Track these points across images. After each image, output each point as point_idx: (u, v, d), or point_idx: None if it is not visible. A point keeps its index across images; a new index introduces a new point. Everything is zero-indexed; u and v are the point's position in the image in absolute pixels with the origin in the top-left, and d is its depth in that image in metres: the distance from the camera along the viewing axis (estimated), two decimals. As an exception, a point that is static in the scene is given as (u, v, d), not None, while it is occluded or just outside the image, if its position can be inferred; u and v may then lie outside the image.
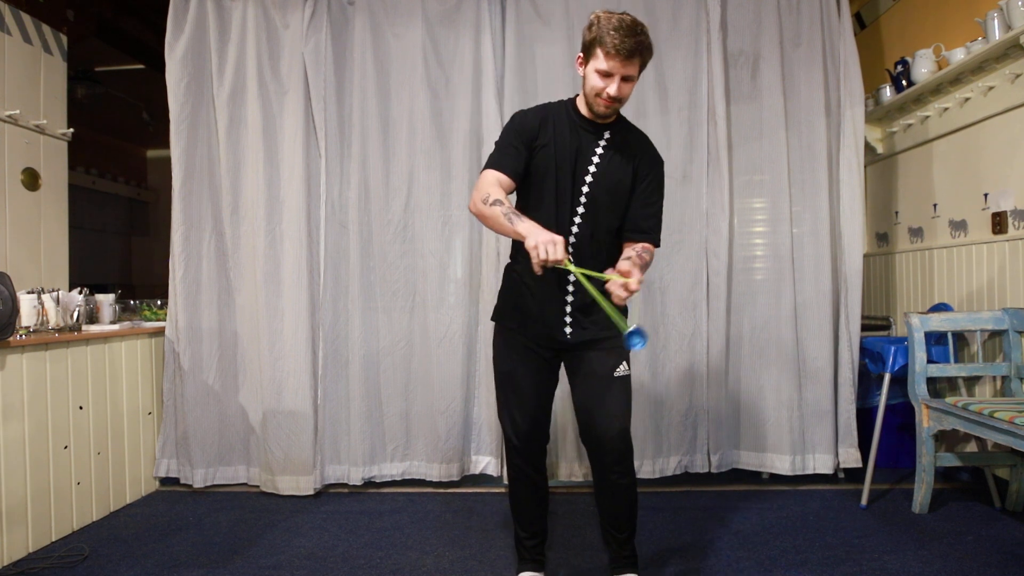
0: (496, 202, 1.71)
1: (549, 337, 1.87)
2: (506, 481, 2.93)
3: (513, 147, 1.82)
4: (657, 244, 1.89)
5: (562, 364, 1.97)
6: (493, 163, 1.82)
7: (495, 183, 1.76)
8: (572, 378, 1.93)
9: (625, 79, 1.72)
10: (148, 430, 3.02)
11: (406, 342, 3.05)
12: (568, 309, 1.85)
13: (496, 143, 1.87)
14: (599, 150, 1.83)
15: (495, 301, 2.93)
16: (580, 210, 1.82)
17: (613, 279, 1.64)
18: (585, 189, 1.82)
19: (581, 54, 1.79)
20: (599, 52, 1.70)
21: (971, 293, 2.89)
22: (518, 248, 1.90)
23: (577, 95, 1.88)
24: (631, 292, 1.62)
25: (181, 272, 3.01)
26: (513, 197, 1.88)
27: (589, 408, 1.86)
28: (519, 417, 1.91)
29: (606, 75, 1.71)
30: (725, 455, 3.02)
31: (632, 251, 1.79)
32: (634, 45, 1.67)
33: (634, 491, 1.90)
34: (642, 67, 1.75)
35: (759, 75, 3.03)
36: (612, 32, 1.66)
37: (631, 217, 1.86)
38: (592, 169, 1.82)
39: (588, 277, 1.64)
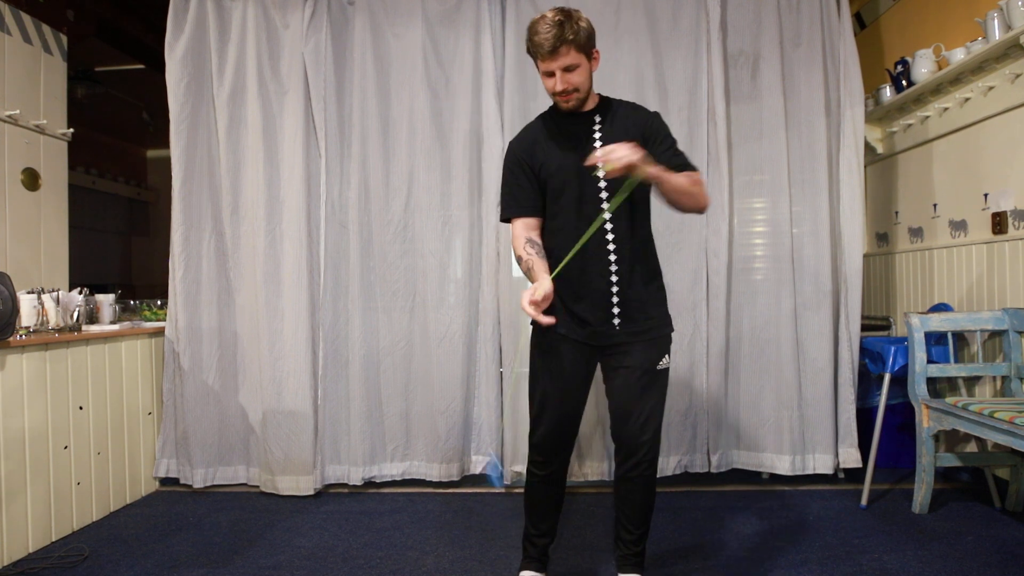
0: (519, 259, 1.84)
1: (597, 334, 1.84)
2: (505, 480, 2.97)
3: (517, 184, 1.88)
4: (695, 170, 1.83)
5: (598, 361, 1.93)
6: (510, 210, 1.89)
7: (519, 233, 1.86)
8: (611, 372, 1.89)
9: (567, 70, 1.74)
10: (148, 430, 3.02)
11: (406, 342, 3.05)
12: (615, 300, 1.82)
13: (501, 185, 1.92)
14: (597, 135, 1.83)
15: (496, 302, 2.98)
16: (604, 195, 1.80)
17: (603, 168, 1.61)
18: (601, 175, 1.78)
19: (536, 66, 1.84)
20: (536, 59, 1.76)
21: (971, 293, 2.89)
22: (548, 244, 1.89)
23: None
24: (630, 168, 1.59)
25: (181, 272, 3.01)
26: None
27: (628, 407, 1.83)
28: (555, 419, 1.88)
29: (549, 75, 1.76)
30: (725, 455, 3.02)
31: None
32: (553, 38, 1.68)
33: (653, 482, 1.89)
34: (580, 50, 1.73)
35: (759, 75, 3.03)
36: (534, 37, 1.72)
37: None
38: (599, 154, 1.81)
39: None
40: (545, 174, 1.85)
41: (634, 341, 1.84)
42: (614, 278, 1.81)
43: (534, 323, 1.90)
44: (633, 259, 1.83)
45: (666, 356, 1.86)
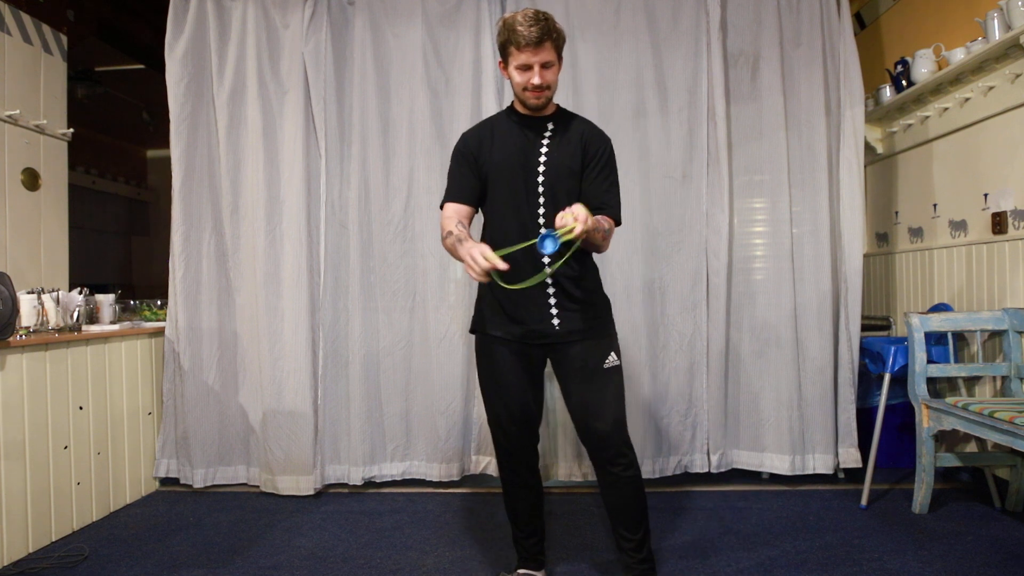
0: (447, 235, 1.82)
1: (536, 333, 1.86)
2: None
3: (459, 173, 1.92)
4: (618, 221, 1.88)
5: (548, 362, 1.95)
6: (446, 195, 1.92)
7: (451, 215, 1.87)
8: (561, 376, 1.91)
9: (544, 66, 1.78)
10: (148, 430, 3.02)
11: (406, 342, 3.05)
12: (552, 300, 1.85)
13: (448, 173, 1.96)
14: (545, 141, 1.87)
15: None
16: (541, 200, 1.84)
17: (559, 233, 1.60)
18: (540, 179, 1.84)
19: (500, 60, 1.86)
20: (512, 50, 1.77)
21: (971, 293, 2.89)
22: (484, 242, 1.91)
23: (513, 100, 1.93)
24: (583, 234, 1.59)
25: (181, 272, 3.01)
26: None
27: (582, 404, 1.86)
28: (509, 423, 1.92)
29: (525, 68, 1.78)
30: (725, 455, 3.02)
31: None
32: (540, 31, 1.73)
33: (639, 484, 1.87)
34: (558, 51, 1.80)
35: (759, 75, 3.03)
36: (518, 28, 1.73)
37: (588, 196, 1.86)
38: (542, 159, 1.85)
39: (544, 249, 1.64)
40: (487, 169, 1.89)
41: (575, 341, 1.86)
42: (549, 279, 1.83)
43: (474, 329, 1.97)
44: (570, 264, 1.82)
45: (613, 354, 1.87)
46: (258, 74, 3.00)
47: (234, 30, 3.03)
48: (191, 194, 3.05)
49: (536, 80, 1.77)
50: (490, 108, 2.99)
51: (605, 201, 1.86)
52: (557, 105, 1.94)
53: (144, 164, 6.01)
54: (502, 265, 1.61)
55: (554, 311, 1.85)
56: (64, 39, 3.18)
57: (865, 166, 3.29)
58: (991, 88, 2.74)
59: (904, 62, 3.20)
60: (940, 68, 3.00)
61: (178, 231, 3.02)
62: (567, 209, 1.62)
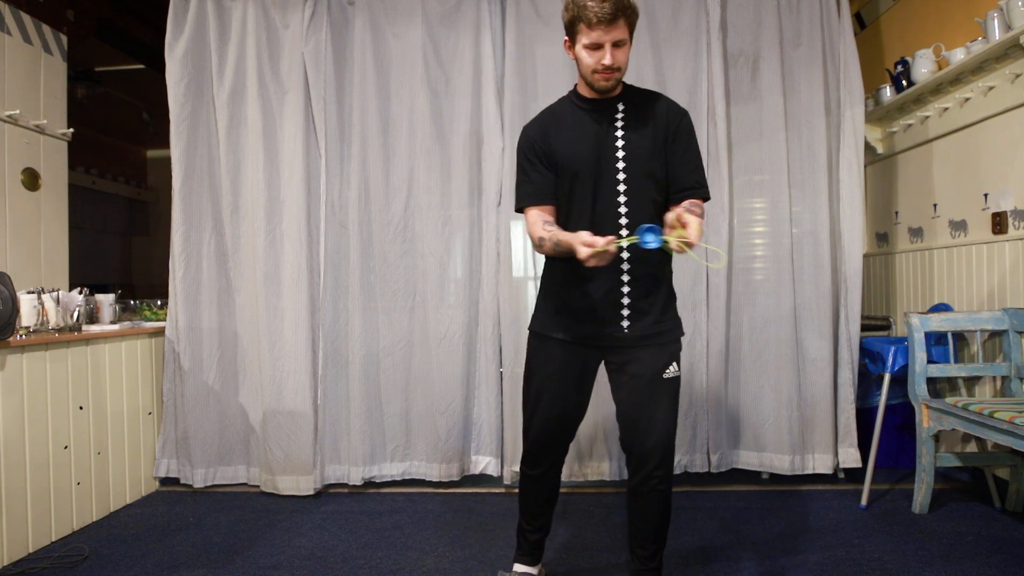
0: (541, 241, 1.73)
1: (603, 335, 1.78)
2: (505, 479, 2.97)
3: (533, 171, 1.80)
4: (706, 197, 1.78)
5: (602, 362, 1.87)
6: (525, 199, 1.81)
7: (536, 220, 1.77)
8: (617, 379, 1.83)
9: (616, 44, 1.65)
10: (148, 430, 3.02)
11: (406, 342, 3.05)
12: (625, 301, 1.75)
13: (517, 172, 1.85)
14: (619, 124, 1.76)
15: (496, 302, 2.98)
16: (621, 188, 1.73)
17: (671, 239, 1.51)
18: (620, 166, 1.73)
19: (567, 38, 1.74)
20: (582, 27, 1.64)
21: (971, 293, 2.89)
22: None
23: (576, 83, 1.82)
24: (691, 245, 1.49)
25: (181, 272, 3.01)
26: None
27: (635, 415, 1.78)
28: (548, 421, 1.86)
29: (596, 47, 1.65)
30: (725, 455, 3.02)
31: (679, 208, 1.66)
32: (614, 6, 1.60)
33: (670, 497, 1.81)
34: (630, 29, 1.67)
35: (759, 75, 3.03)
36: (589, 3, 1.61)
37: (673, 176, 1.76)
38: (620, 145, 1.74)
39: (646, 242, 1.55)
40: (559, 159, 1.77)
41: (642, 346, 1.78)
42: (625, 277, 1.76)
43: (531, 326, 1.90)
44: (647, 262, 1.75)
45: (675, 364, 1.79)
46: (258, 74, 3.00)
47: (234, 30, 3.03)
48: (191, 194, 3.05)
49: (607, 60, 1.64)
50: (490, 108, 2.99)
51: (695, 182, 1.76)
52: (623, 83, 1.79)
53: (144, 164, 6.01)
54: (609, 239, 1.53)
55: (625, 312, 1.76)
56: (64, 39, 3.18)
57: (865, 166, 3.29)
58: (991, 88, 2.74)
59: (904, 62, 3.20)
60: (940, 68, 2.99)
61: (178, 231, 3.02)
62: (686, 218, 1.50)
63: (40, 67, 3.02)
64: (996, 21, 2.60)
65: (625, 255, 1.73)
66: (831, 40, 3.03)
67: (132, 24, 3.97)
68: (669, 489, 1.80)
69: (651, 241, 1.52)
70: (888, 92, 3.33)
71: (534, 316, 1.92)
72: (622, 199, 1.74)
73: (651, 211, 1.75)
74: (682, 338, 1.85)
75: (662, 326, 1.79)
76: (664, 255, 1.69)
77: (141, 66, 4.52)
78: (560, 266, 1.82)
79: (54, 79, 3.11)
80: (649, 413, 1.76)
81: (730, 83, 3.02)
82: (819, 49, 3.00)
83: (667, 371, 1.77)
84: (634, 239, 1.56)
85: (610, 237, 1.56)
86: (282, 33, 3.03)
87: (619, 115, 1.77)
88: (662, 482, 1.77)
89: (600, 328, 1.79)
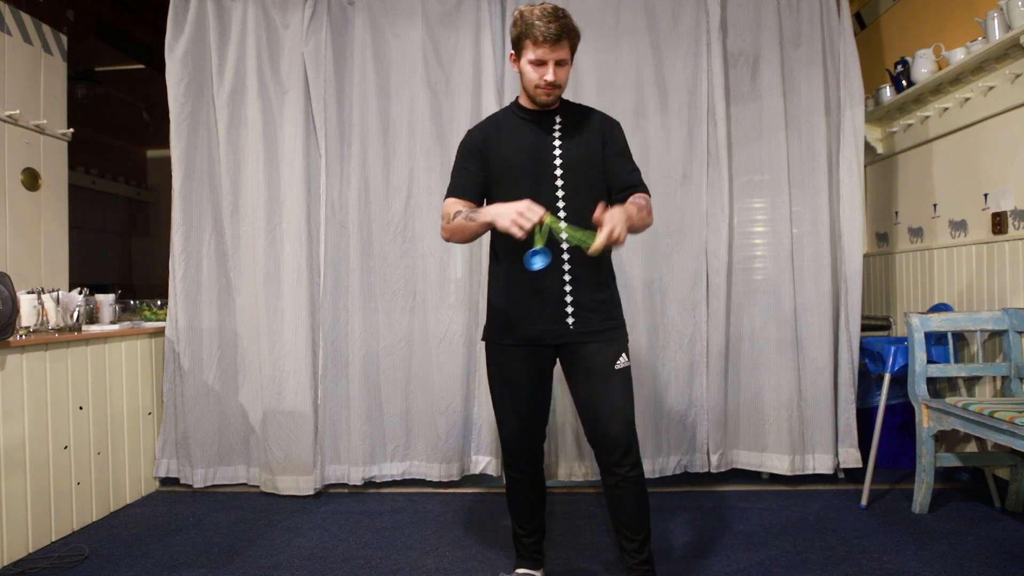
0: (454, 215, 1.80)
1: (550, 333, 1.85)
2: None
3: (464, 169, 1.90)
4: (646, 189, 1.90)
5: (557, 362, 1.95)
6: (449, 191, 1.91)
7: (452, 205, 1.86)
8: (571, 376, 1.90)
9: (559, 64, 1.76)
10: (148, 430, 3.02)
11: (406, 342, 3.05)
12: (568, 299, 1.83)
13: (452, 168, 1.94)
14: (556, 135, 1.86)
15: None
16: (560, 194, 1.81)
17: (599, 238, 1.57)
18: (558, 173, 1.82)
19: (512, 52, 1.84)
20: (528, 44, 1.74)
21: (971, 293, 2.89)
22: (496, 247, 1.94)
23: (518, 96, 1.92)
24: (618, 242, 1.57)
25: (181, 272, 3.01)
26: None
27: (592, 406, 1.84)
28: (517, 424, 1.92)
29: (540, 64, 1.75)
30: (725, 455, 3.02)
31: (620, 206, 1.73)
32: (559, 29, 1.70)
33: (643, 485, 1.87)
34: (572, 50, 1.79)
35: (759, 75, 3.03)
36: (537, 22, 1.71)
37: (615, 177, 1.86)
38: (557, 153, 1.83)
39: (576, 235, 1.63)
40: (494, 164, 1.87)
41: (589, 341, 1.84)
42: (567, 277, 1.83)
43: (483, 337, 1.98)
44: (588, 263, 1.81)
45: (624, 355, 1.86)
46: (258, 74, 3.00)
47: (234, 30, 3.03)
48: (191, 194, 3.05)
49: (550, 77, 1.75)
50: (490, 108, 2.99)
51: (635, 180, 1.87)
52: (561, 98, 1.91)
53: (144, 164, 6.02)
54: (555, 222, 1.61)
55: (569, 310, 1.83)
56: (64, 39, 3.18)
57: (865, 166, 3.29)
58: (991, 88, 2.74)
59: (904, 62, 3.20)
60: (940, 68, 3.00)
61: (178, 231, 3.02)
62: (604, 219, 1.57)
63: (40, 67, 3.02)
64: (996, 21, 2.60)
65: (566, 256, 1.81)
66: (831, 40, 3.03)
67: (132, 24, 3.97)
68: (641, 477, 1.86)
69: (536, 263, 1.59)
70: (888, 92, 3.33)
71: (485, 326, 2.00)
72: (561, 204, 1.82)
73: (589, 212, 1.76)
74: (626, 335, 1.92)
75: (606, 323, 1.87)
76: (601, 260, 1.83)
77: (141, 66, 4.52)
78: (501, 272, 1.92)
79: (54, 79, 3.11)
80: (608, 402, 1.82)
81: (730, 83, 3.02)
82: (819, 49, 3.00)
83: (618, 362, 1.84)
84: (558, 228, 1.64)
85: (540, 213, 1.60)
86: (282, 33, 3.03)
87: (556, 126, 1.87)
88: (632, 469, 1.84)
89: (546, 327, 1.85)
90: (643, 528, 1.87)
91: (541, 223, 1.60)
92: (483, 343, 2.00)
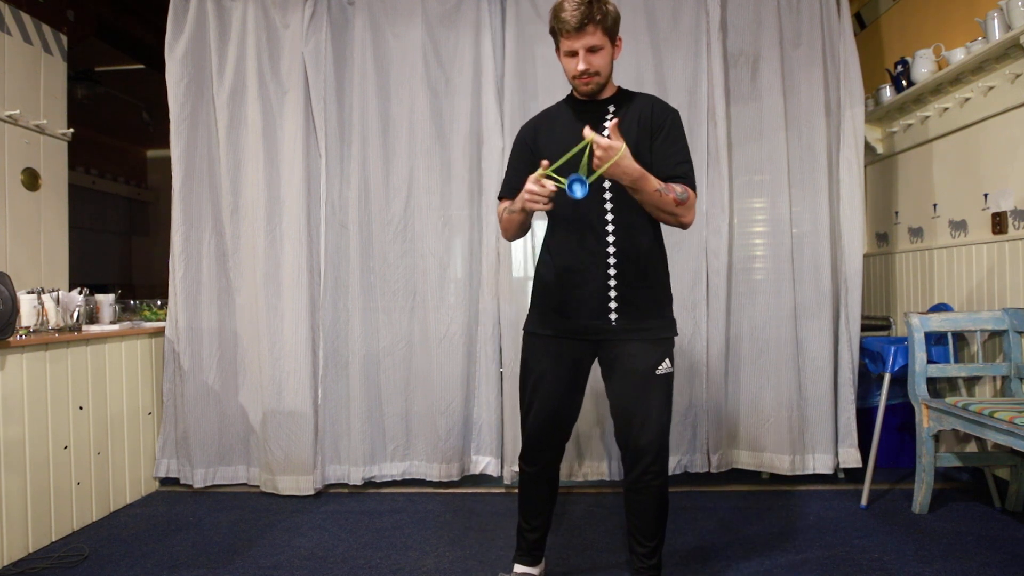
0: (502, 219, 1.88)
1: (590, 328, 1.81)
2: (505, 479, 2.97)
3: (513, 167, 1.93)
4: (692, 187, 1.79)
5: (596, 360, 1.90)
6: (503, 190, 1.94)
7: (501, 207, 1.91)
8: (609, 374, 1.85)
9: (590, 50, 1.72)
10: (148, 430, 3.02)
11: (406, 342, 3.05)
12: (612, 294, 1.78)
13: (506, 166, 1.97)
14: (606, 126, 1.79)
15: (496, 302, 2.98)
16: (607, 183, 1.77)
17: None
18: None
19: (556, 48, 1.82)
20: (559, 36, 1.74)
21: (971, 293, 2.89)
22: (548, 240, 1.91)
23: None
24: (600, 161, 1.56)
25: (181, 272, 3.01)
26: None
27: (627, 410, 1.80)
28: (541, 417, 1.88)
29: (572, 54, 1.74)
30: (725, 455, 3.02)
31: None
32: (581, 15, 1.66)
33: (665, 493, 1.84)
34: (605, 32, 1.72)
35: (759, 75, 3.03)
36: (561, 14, 1.69)
37: (659, 167, 1.77)
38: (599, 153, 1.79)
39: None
40: (545, 157, 1.80)
41: (632, 339, 1.80)
42: (612, 271, 1.78)
43: (525, 326, 1.95)
44: (636, 258, 1.79)
45: (667, 360, 1.80)
46: (258, 74, 3.00)
47: (234, 30, 3.03)
48: (191, 194, 3.05)
49: (581, 66, 1.71)
50: (490, 108, 2.99)
51: (679, 172, 1.77)
52: (618, 87, 1.86)
53: (144, 164, 6.01)
54: (557, 180, 1.60)
55: (613, 304, 1.78)
56: (64, 39, 3.18)
57: (865, 166, 3.30)
58: (991, 88, 2.74)
59: (904, 62, 3.20)
60: (940, 68, 3.00)
61: (178, 231, 3.02)
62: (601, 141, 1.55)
63: (40, 67, 3.02)
64: (996, 21, 2.60)
65: (611, 249, 1.78)
66: (831, 40, 3.03)
67: (132, 24, 3.97)
68: (665, 484, 1.83)
69: (576, 191, 1.57)
70: (888, 92, 3.33)
71: (528, 316, 1.97)
72: (608, 195, 1.79)
73: (637, 205, 1.77)
74: (675, 338, 1.87)
75: (651, 322, 1.81)
76: (644, 240, 1.80)
77: (141, 66, 4.52)
78: (549, 264, 1.88)
79: (54, 79, 3.11)
80: (644, 409, 1.78)
81: (730, 83, 3.02)
82: (819, 49, 3.00)
83: (660, 367, 1.79)
84: (562, 183, 1.60)
85: (537, 176, 1.62)
86: (282, 33, 3.03)
87: (607, 117, 1.82)
88: (657, 477, 1.80)
89: (588, 321, 1.82)
90: (657, 534, 1.85)
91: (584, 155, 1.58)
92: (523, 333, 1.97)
